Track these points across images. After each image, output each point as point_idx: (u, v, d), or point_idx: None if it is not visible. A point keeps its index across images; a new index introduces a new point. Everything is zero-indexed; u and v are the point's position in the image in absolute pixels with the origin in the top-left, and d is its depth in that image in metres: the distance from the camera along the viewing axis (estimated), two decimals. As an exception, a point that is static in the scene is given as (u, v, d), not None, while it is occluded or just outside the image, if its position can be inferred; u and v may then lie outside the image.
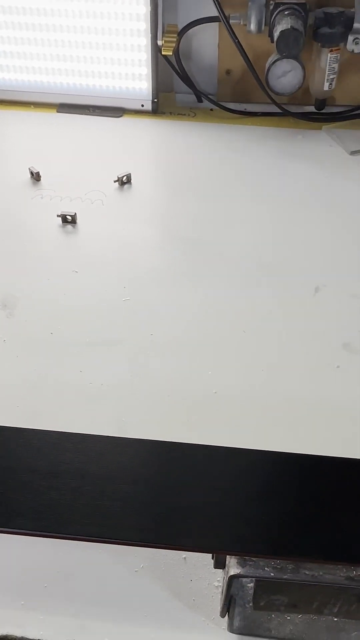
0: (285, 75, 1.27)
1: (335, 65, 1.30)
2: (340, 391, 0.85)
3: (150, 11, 1.26)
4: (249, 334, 0.93)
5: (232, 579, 0.53)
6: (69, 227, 1.11)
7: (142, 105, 1.39)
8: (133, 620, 0.65)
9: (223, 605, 0.58)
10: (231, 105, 1.40)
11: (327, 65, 1.29)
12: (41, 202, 1.17)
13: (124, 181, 1.20)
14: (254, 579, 0.53)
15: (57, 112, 1.40)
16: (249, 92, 1.40)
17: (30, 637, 0.64)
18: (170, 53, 1.30)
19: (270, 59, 1.26)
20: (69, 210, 1.12)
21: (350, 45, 1.27)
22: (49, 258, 1.05)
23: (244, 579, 0.53)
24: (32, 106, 1.42)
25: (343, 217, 1.15)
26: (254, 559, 0.52)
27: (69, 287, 1.00)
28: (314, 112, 1.37)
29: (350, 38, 1.26)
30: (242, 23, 1.27)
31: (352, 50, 1.27)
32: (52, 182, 1.21)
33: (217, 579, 0.68)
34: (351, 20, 1.24)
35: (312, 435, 0.78)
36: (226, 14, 1.25)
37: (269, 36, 1.26)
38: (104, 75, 1.37)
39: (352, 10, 1.24)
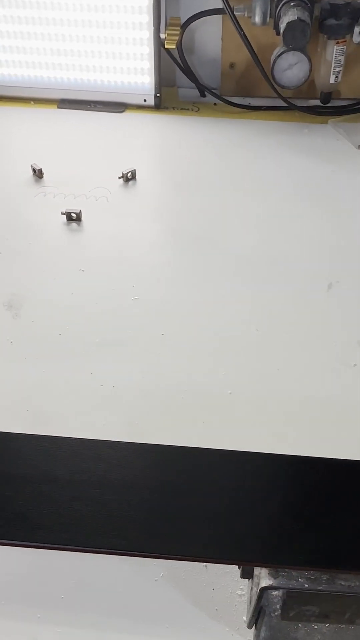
0: (291, 68, 1.24)
1: (342, 58, 1.27)
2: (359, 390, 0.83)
3: (153, 3, 1.23)
4: (262, 333, 0.91)
5: (263, 591, 0.51)
6: (74, 224, 1.09)
7: (145, 100, 1.36)
8: (154, 632, 0.63)
9: (251, 617, 0.56)
10: (235, 99, 1.38)
11: (333, 57, 1.27)
12: (44, 199, 1.14)
13: (129, 177, 1.18)
14: (285, 590, 0.51)
15: (58, 107, 1.37)
16: (253, 85, 1.37)
17: (47, 651, 0.62)
18: (174, 46, 1.27)
19: (276, 52, 1.24)
20: (73, 207, 1.09)
21: (356, 37, 1.25)
22: (54, 257, 1.03)
23: (275, 591, 0.51)
24: (32, 102, 1.39)
25: (352, 211, 1.13)
26: (286, 569, 0.50)
27: (76, 286, 0.98)
28: (319, 105, 1.35)
29: (357, 30, 1.23)
30: (246, 15, 1.24)
31: (359, 42, 1.25)
32: (55, 179, 1.18)
33: (239, 587, 0.66)
34: (357, 11, 1.22)
35: (333, 436, 0.76)
36: (231, 5, 1.23)
37: (274, 28, 1.24)
38: (105, 70, 1.34)
39: (359, 1, 1.22)
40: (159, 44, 1.28)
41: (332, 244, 1.06)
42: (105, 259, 1.02)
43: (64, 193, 1.15)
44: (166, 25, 1.27)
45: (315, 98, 1.37)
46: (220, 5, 1.26)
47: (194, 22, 1.32)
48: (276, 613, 0.56)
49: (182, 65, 1.36)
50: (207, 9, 1.29)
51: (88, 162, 1.23)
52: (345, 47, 1.26)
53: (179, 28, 1.27)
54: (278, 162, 1.24)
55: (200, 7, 1.29)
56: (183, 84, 1.42)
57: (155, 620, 0.64)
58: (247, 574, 0.58)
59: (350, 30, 1.24)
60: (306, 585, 0.50)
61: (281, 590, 0.51)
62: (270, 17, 1.23)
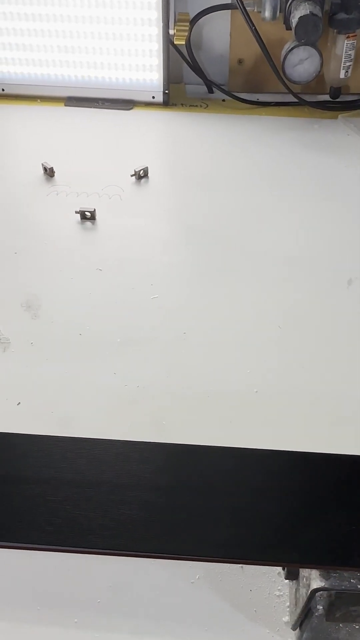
0: (302, 63, 1.23)
1: (352, 52, 1.27)
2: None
3: (162, -1, 1.22)
4: (285, 330, 0.90)
5: (314, 593, 0.50)
6: (88, 223, 1.08)
7: (153, 97, 1.35)
8: (193, 635, 0.62)
9: (298, 618, 0.55)
10: (243, 96, 1.37)
11: (344, 52, 1.26)
12: (57, 198, 1.13)
13: (141, 175, 1.17)
14: (336, 591, 0.50)
15: (65, 105, 1.36)
16: (261, 81, 1.36)
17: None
18: (183, 42, 1.26)
19: (287, 47, 1.23)
20: (86, 206, 1.08)
21: (366, 31, 1.24)
22: (70, 256, 1.01)
23: (324, 592, 0.51)
24: (38, 100, 1.37)
25: (366, 206, 1.13)
26: (338, 570, 0.49)
27: (94, 286, 0.96)
28: (329, 101, 1.34)
29: (367, 24, 1.23)
30: (256, 10, 1.23)
31: (369, 37, 1.24)
32: (66, 178, 1.17)
33: (277, 588, 0.65)
34: (368, 5, 1.21)
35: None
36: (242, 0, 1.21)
37: (284, 23, 1.23)
38: (113, 67, 1.33)
39: (369, -5, 1.21)
40: (167, 40, 1.27)
41: (349, 239, 1.05)
42: (122, 257, 1.01)
43: (76, 192, 1.14)
44: (175, 21, 1.25)
45: (324, 93, 1.36)
46: (228, 0, 1.26)
47: (201, 18, 1.31)
48: (322, 614, 0.56)
49: (190, 61, 1.35)
50: (215, 4, 1.28)
51: (98, 160, 1.22)
52: (355, 41, 1.25)
53: (188, 24, 1.26)
54: (290, 157, 1.24)
55: (209, 2, 1.28)
56: (190, 80, 1.41)
57: (194, 622, 0.63)
58: (292, 575, 0.57)
59: (360, 24, 1.23)
60: (359, 587, 0.49)
61: (332, 592, 0.50)
62: (280, 12, 1.22)
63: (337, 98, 1.35)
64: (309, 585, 0.50)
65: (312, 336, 0.89)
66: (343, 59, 1.27)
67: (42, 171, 1.18)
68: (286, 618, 0.63)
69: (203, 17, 1.31)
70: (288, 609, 0.64)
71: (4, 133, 1.31)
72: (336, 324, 0.91)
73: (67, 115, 1.34)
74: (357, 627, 0.60)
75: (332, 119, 1.33)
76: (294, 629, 0.59)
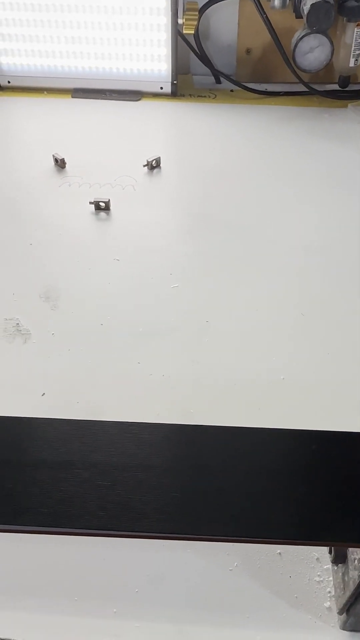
0: (312, 51, 1.23)
1: (362, 41, 1.26)
2: None
3: (170, -12, 1.21)
4: (308, 317, 0.89)
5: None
6: (103, 214, 1.06)
7: (161, 88, 1.34)
8: (235, 623, 0.61)
9: (347, 602, 0.55)
10: (251, 86, 1.36)
11: (353, 40, 1.26)
12: (70, 189, 1.11)
13: (154, 165, 1.15)
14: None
15: (72, 97, 1.35)
16: (269, 71, 1.36)
17: (128, 647, 0.60)
18: (192, 32, 1.25)
19: (297, 35, 1.22)
20: (100, 197, 1.07)
21: (376, 19, 1.24)
22: (86, 247, 1.00)
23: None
24: (45, 92, 1.36)
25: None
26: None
27: (112, 276, 0.95)
28: (339, 89, 1.34)
29: (377, 11, 1.22)
30: (265, -2, 1.23)
31: (379, 25, 1.24)
32: (78, 169, 1.15)
33: (317, 574, 0.64)
34: (378, -7, 1.21)
35: None
36: (251, -11, 1.21)
37: (294, 12, 1.23)
38: (120, 58, 1.31)
39: (379, -18, 1.21)
40: (176, 29, 1.26)
41: (364, 227, 1.05)
42: (138, 247, 1.00)
43: (88, 182, 1.13)
44: (184, 10, 1.24)
45: (332, 82, 1.36)
46: (237, -11, 1.25)
47: (209, 8, 1.30)
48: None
49: (198, 51, 1.34)
50: (224, -7, 1.27)
51: (109, 151, 1.21)
52: (365, 29, 1.25)
53: (196, 13, 1.25)
54: (301, 147, 1.23)
55: (217, -9, 1.28)
56: (197, 71, 1.40)
57: (235, 610, 0.62)
58: (339, 559, 0.56)
59: (370, 12, 1.23)
60: None
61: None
62: (289, 0, 1.21)
63: (346, 87, 1.34)
64: (361, 568, 0.50)
65: (335, 323, 0.88)
66: (353, 47, 1.27)
67: (52, 163, 1.16)
68: (327, 603, 0.63)
69: (210, 7, 1.30)
70: (329, 595, 0.63)
71: (12, 125, 1.30)
72: (357, 311, 0.90)
73: (74, 107, 1.33)
74: None
75: (342, 107, 1.32)
76: (340, 613, 0.58)
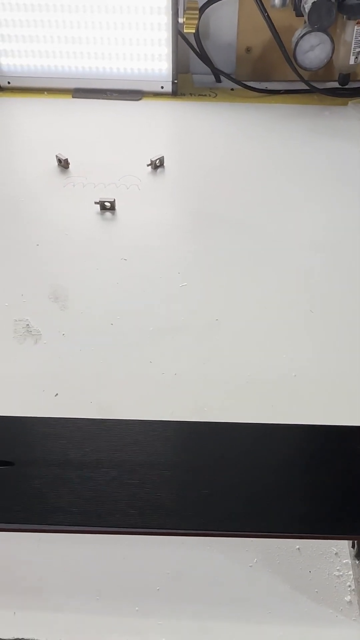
0: (313, 49, 1.23)
1: (362, 38, 1.27)
2: None
3: (171, -13, 1.21)
4: (316, 314, 0.90)
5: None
6: (108, 214, 1.06)
7: (162, 87, 1.34)
8: (257, 618, 0.62)
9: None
10: (251, 84, 1.36)
11: (353, 38, 1.26)
12: (74, 189, 1.11)
13: (157, 164, 1.16)
14: None
15: (73, 97, 1.35)
16: (269, 69, 1.36)
17: (151, 644, 0.60)
18: (193, 31, 1.25)
19: (298, 33, 1.23)
20: (105, 196, 1.07)
21: (376, 16, 1.24)
22: (93, 247, 1.00)
23: None
24: (45, 92, 1.36)
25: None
26: None
27: (120, 275, 0.95)
28: (339, 87, 1.34)
29: (377, 9, 1.23)
30: (265, -3, 1.23)
31: (379, 22, 1.25)
32: (81, 169, 1.15)
33: (336, 569, 0.65)
34: (378, -10, 1.21)
35: None
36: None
37: (294, 10, 1.23)
38: (121, 57, 1.31)
39: (379, -20, 1.21)
40: (176, 29, 1.26)
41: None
42: (145, 247, 1.00)
43: (93, 182, 1.13)
44: (184, 9, 1.24)
45: (332, 80, 1.36)
46: (236, -12, 1.25)
47: (209, 7, 1.30)
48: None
49: (198, 50, 1.34)
50: (224, -8, 1.27)
51: (111, 150, 1.21)
52: (365, 27, 1.25)
53: (197, 12, 1.25)
54: (303, 144, 1.24)
55: (217, -10, 1.28)
56: (197, 70, 1.41)
57: (256, 605, 0.62)
58: (362, 553, 0.57)
59: (370, 10, 1.23)
60: None
61: None
62: (289, -2, 1.22)
63: (345, 84, 1.35)
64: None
65: (343, 319, 0.89)
66: (353, 45, 1.27)
67: (56, 163, 1.16)
68: (348, 597, 0.63)
69: (210, 6, 1.30)
70: (349, 589, 0.63)
71: (13, 126, 1.30)
72: (366, 307, 0.91)
73: (75, 107, 1.33)
74: None
75: (342, 105, 1.33)
76: (363, 607, 0.59)
